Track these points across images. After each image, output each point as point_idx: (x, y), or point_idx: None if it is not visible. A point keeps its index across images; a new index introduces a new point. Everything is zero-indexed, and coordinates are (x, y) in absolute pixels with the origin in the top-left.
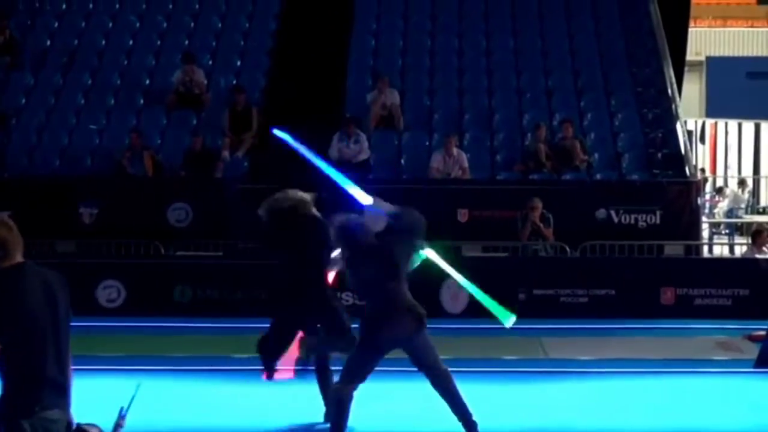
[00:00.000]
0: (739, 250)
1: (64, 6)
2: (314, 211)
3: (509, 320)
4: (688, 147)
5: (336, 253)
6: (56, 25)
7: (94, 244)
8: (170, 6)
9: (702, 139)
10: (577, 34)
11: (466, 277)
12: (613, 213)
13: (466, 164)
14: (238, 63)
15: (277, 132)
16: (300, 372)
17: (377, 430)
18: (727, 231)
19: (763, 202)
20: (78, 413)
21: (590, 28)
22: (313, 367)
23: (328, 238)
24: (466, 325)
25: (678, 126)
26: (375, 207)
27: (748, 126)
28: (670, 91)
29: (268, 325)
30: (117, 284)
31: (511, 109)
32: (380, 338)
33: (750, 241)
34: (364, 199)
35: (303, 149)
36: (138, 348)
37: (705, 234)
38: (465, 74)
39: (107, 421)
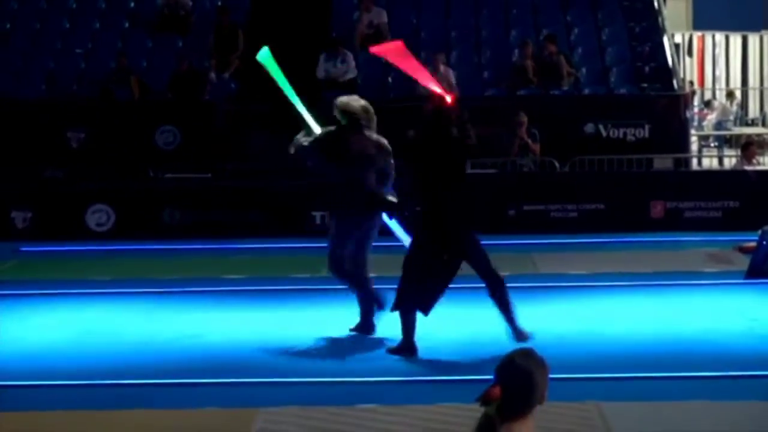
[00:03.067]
0: (729, 163)
1: None
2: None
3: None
4: (676, 60)
5: None
6: None
7: (82, 168)
8: None
9: (689, 52)
10: None
11: None
12: (601, 127)
13: (453, 81)
14: None
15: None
16: None
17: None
18: (716, 143)
19: (751, 114)
20: (71, 335)
21: None
22: None
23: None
24: None
25: (665, 39)
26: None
27: (736, 38)
28: (656, 4)
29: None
30: (106, 208)
31: (498, 26)
32: None
33: (739, 153)
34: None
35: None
36: (128, 271)
37: (694, 147)
38: None
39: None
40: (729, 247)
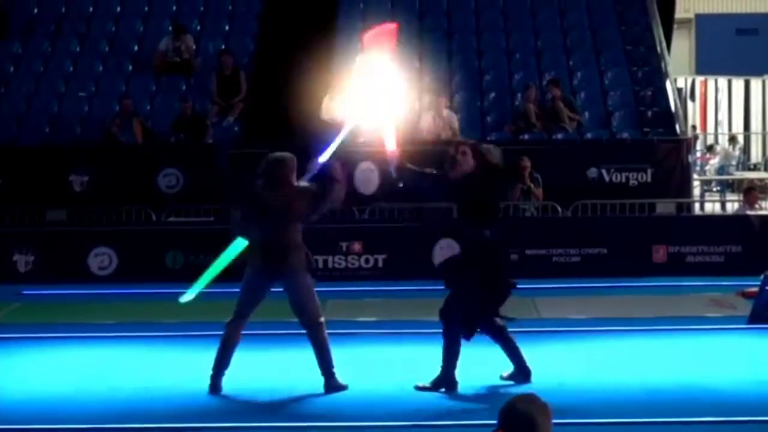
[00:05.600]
0: (731, 207)
1: None
2: None
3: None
4: (678, 104)
5: None
6: None
7: (85, 211)
8: None
9: (692, 97)
10: None
11: None
12: (604, 171)
13: (456, 125)
14: (227, 27)
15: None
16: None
17: None
18: (718, 188)
19: (753, 159)
20: (73, 380)
21: None
22: None
23: None
24: None
25: (668, 84)
26: None
27: (738, 83)
28: (659, 48)
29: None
30: (109, 251)
31: (501, 70)
32: None
33: (741, 197)
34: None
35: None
36: (131, 315)
37: (696, 191)
38: (454, 35)
39: (97, 388)
40: (731, 291)
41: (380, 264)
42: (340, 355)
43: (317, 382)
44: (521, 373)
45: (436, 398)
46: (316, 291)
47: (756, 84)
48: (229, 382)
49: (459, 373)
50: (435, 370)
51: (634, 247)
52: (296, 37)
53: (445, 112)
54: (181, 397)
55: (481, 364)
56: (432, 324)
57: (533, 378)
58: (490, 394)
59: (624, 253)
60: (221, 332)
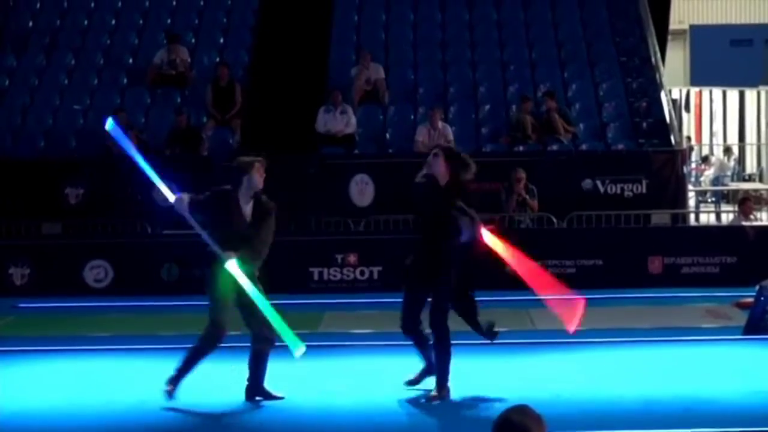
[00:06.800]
0: (726, 218)
1: None
2: None
3: (298, 350)
4: (673, 116)
5: None
6: (38, 5)
7: (81, 224)
8: None
9: (687, 108)
10: (559, 4)
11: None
12: (599, 183)
13: (451, 137)
14: (221, 40)
15: (108, 127)
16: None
17: None
18: (713, 199)
19: (748, 170)
20: (68, 393)
21: None
22: None
23: None
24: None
25: (662, 95)
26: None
27: (733, 94)
28: (653, 60)
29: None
30: (104, 264)
31: (496, 82)
32: None
33: (737, 208)
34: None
35: (127, 145)
36: (126, 328)
37: (691, 202)
38: (448, 47)
39: (93, 401)
40: (727, 302)
41: (376, 276)
42: (336, 366)
43: (310, 393)
44: (428, 374)
45: (431, 409)
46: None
47: (751, 95)
48: (225, 396)
49: (453, 385)
50: (430, 381)
51: (629, 259)
52: (290, 50)
53: (440, 123)
54: (177, 411)
55: (476, 376)
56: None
57: (528, 390)
58: (484, 405)
59: (619, 265)
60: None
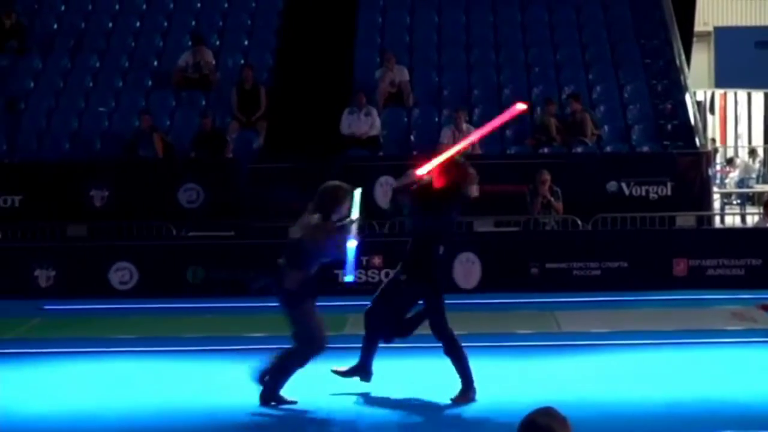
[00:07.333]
0: (751, 220)
1: None
2: None
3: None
4: (698, 118)
5: None
6: (63, 8)
7: (106, 226)
8: None
9: (712, 110)
10: (583, 6)
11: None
12: (624, 185)
13: None
14: (246, 42)
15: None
16: None
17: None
18: (738, 201)
19: None
20: (93, 395)
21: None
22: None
23: None
24: (479, 300)
25: (687, 97)
26: None
27: (758, 96)
28: (678, 62)
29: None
30: (129, 266)
31: (520, 84)
32: None
33: (761, 210)
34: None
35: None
36: (151, 330)
37: (716, 204)
38: (473, 49)
39: (118, 403)
40: (752, 305)
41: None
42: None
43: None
44: (364, 371)
45: (456, 411)
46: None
47: None
48: (235, 398)
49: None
50: (454, 382)
51: (654, 261)
52: (315, 52)
53: (465, 125)
54: (203, 412)
55: (501, 378)
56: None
57: (553, 392)
58: (509, 407)
59: (644, 267)
60: (243, 346)
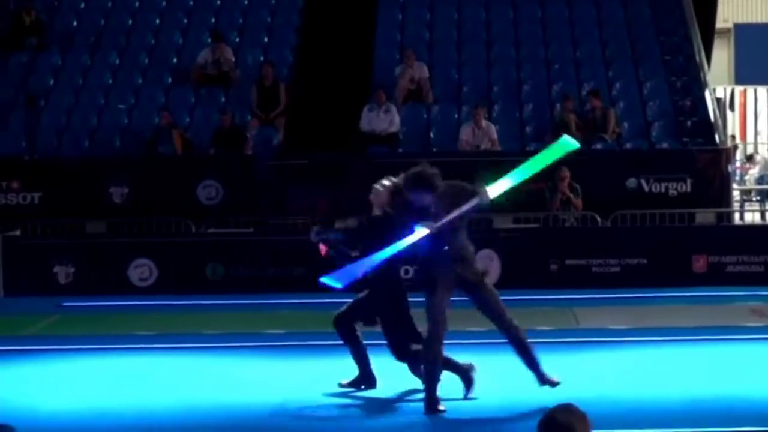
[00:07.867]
0: None
1: None
2: None
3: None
4: (718, 114)
5: None
6: (83, 5)
7: (125, 223)
8: None
9: (731, 107)
10: (603, 3)
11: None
12: (643, 182)
13: (495, 136)
14: (266, 40)
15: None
16: None
17: None
18: (758, 198)
19: None
20: (113, 391)
21: None
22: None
23: None
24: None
25: (707, 93)
26: None
27: None
28: (698, 58)
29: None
30: (149, 263)
31: (540, 80)
32: None
33: None
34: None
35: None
36: (171, 326)
37: (736, 201)
38: (493, 46)
39: (137, 400)
40: None
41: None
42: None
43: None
44: (367, 380)
45: (474, 408)
46: None
47: None
48: (255, 395)
49: (492, 385)
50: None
51: (674, 257)
52: (335, 49)
53: (484, 122)
54: (222, 409)
55: (520, 375)
56: (465, 334)
57: (573, 388)
58: (529, 404)
59: (664, 263)
60: (261, 343)
